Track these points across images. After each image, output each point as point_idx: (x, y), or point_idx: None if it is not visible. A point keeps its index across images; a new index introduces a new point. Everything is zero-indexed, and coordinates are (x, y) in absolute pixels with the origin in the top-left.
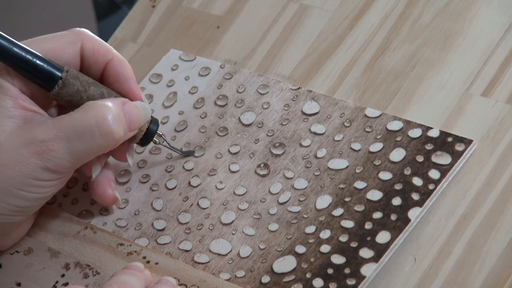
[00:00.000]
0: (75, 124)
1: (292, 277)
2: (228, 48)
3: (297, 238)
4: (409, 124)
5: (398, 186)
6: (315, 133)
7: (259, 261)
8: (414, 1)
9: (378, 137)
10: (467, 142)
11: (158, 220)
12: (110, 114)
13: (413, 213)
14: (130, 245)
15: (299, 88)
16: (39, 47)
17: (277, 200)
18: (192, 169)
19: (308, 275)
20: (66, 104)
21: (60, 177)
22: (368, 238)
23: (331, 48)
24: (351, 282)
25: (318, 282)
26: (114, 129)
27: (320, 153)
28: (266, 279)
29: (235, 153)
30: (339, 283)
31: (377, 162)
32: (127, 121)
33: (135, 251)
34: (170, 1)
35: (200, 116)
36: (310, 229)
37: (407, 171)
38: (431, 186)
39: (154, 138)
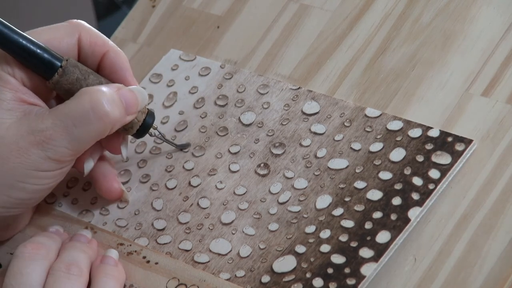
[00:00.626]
0: (71, 110)
1: (292, 276)
2: (228, 48)
3: (297, 238)
4: (409, 124)
5: (398, 186)
6: (315, 133)
7: (259, 261)
8: (414, 1)
9: (378, 137)
10: (467, 142)
11: (158, 220)
12: (104, 97)
13: (413, 213)
14: (130, 245)
15: (299, 88)
16: (37, 37)
17: (277, 200)
18: (192, 169)
19: (308, 275)
20: (64, 94)
21: (61, 166)
22: (368, 238)
23: (331, 48)
24: (351, 281)
25: (318, 281)
26: (109, 111)
27: (320, 153)
28: (266, 278)
29: (235, 153)
30: (339, 282)
31: (377, 162)
32: (123, 104)
33: (135, 251)
34: (170, 1)
35: (200, 116)
36: (310, 228)
37: (407, 171)
38: (431, 186)
39: (150, 131)
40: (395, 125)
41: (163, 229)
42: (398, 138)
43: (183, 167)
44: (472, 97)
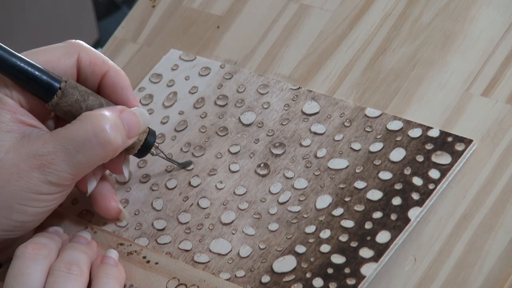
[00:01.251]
0: (73, 135)
1: (292, 276)
2: (228, 48)
3: (297, 238)
4: (409, 124)
5: (398, 186)
6: (315, 133)
7: (259, 261)
8: (414, 1)
9: (378, 137)
10: (467, 142)
11: (158, 220)
12: (108, 123)
13: (413, 213)
14: (130, 245)
15: (299, 88)
16: (35, 58)
17: (277, 200)
18: (192, 169)
19: (308, 275)
20: (64, 115)
21: (61, 190)
22: (368, 238)
23: (331, 48)
24: (351, 281)
25: (318, 281)
26: (112, 138)
27: (320, 153)
28: (266, 278)
29: (235, 153)
30: (339, 282)
31: (377, 162)
32: (125, 129)
33: (135, 251)
34: (170, 1)
35: (200, 116)
36: (310, 228)
37: (407, 171)
38: (431, 186)
39: (152, 150)
40: (395, 125)
41: (163, 229)
42: (398, 138)
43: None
44: (472, 97)
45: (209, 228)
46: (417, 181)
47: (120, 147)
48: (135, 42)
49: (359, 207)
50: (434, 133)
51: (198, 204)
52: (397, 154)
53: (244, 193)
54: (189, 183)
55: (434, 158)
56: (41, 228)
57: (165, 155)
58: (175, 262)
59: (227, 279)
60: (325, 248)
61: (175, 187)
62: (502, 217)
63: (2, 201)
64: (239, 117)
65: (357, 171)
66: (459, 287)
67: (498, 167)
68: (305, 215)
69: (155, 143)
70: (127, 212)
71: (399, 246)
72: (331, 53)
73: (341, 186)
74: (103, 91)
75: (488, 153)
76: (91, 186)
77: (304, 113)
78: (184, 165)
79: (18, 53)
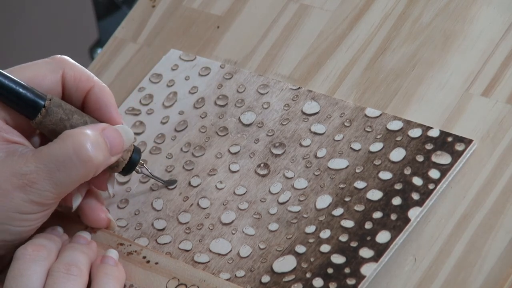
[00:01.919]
0: (54, 154)
1: (292, 276)
2: (228, 48)
3: (297, 238)
4: (409, 124)
5: (398, 186)
6: (315, 133)
7: (259, 261)
8: (414, 1)
9: (378, 137)
10: (467, 142)
11: (158, 220)
12: (88, 141)
13: (413, 213)
14: (130, 245)
15: (299, 88)
16: (20, 75)
17: (277, 200)
18: (192, 169)
19: (308, 275)
20: (48, 134)
21: (44, 209)
22: (368, 238)
23: (331, 48)
24: (351, 281)
25: (318, 281)
26: (92, 156)
27: (320, 153)
28: (266, 278)
29: (235, 153)
30: (339, 282)
31: (377, 162)
32: (107, 146)
33: (135, 251)
34: (170, 1)
35: (200, 116)
36: (310, 228)
37: (407, 171)
38: (431, 186)
39: (136, 168)
40: (395, 125)
41: (163, 229)
42: (398, 138)
43: (183, 167)
44: (472, 97)
45: (209, 228)
46: (417, 181)
47: (102, 165)
48: (135, 42)
49: (359, 207)
50: (434, 133)
51: (198, 204)
52: (397, 154)
53: (244, 193)
54: (189, 183)
55: (434, 158)
56: (41, 228)
57: (150, 172)
58: (175, 262)
59: (227, 279)
60: (325, 248)
61: (175, 187)
62: (502, 217)
63: None
64: (239, 117)
65: (357, 171)
66: (459, 287)
67: (498, 167)
68: (305, 215)
69: (140, 161)
70: (127, 215)
71: (399, 246)
72: (331, 53)
73: (341, 186)
74: (87, 108)
75: (488, 153)
76: (76, 202)
77: (304, 113)
78: (168, 184)
79: (7, 67)
